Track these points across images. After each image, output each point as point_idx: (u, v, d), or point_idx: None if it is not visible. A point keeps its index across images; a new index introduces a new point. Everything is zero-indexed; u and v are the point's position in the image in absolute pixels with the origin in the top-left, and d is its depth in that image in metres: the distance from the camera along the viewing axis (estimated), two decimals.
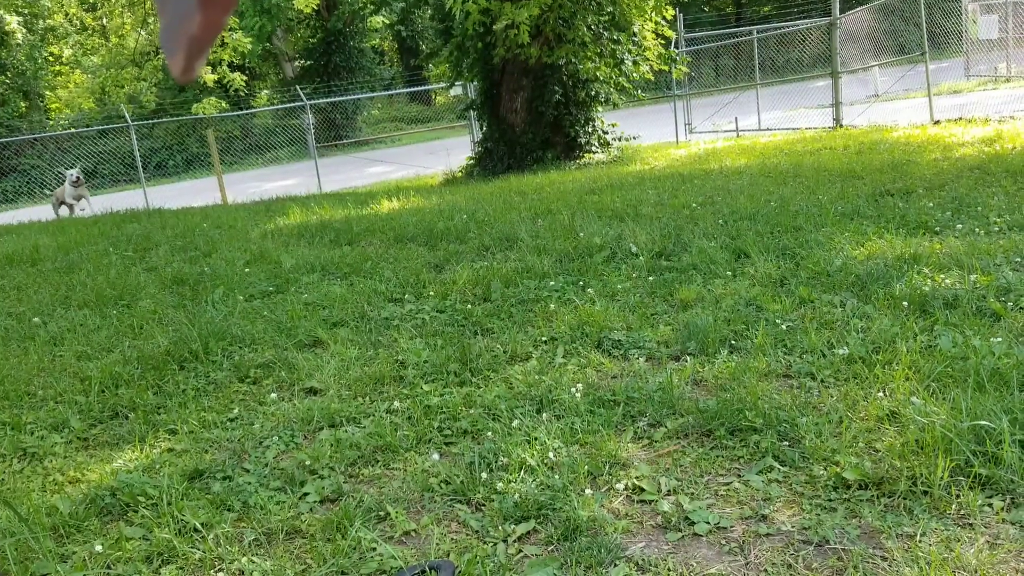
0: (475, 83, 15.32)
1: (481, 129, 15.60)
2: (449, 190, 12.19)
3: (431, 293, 5.17)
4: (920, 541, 2.24)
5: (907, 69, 16.85)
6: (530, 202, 8.72)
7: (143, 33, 23.18)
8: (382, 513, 2.69)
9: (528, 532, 2.53)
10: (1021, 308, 3.80)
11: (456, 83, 16.20)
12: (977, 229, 5.23)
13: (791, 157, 10.32)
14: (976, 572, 2.09)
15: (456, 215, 8.08)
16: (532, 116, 14.15)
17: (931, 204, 6.12)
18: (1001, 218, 5.43)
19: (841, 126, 13.85)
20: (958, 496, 2.42)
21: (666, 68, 14.32)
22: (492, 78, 14.47)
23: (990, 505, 2.39)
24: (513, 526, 2.55)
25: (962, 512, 2.37)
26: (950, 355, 3.30)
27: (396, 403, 3.52)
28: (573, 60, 13.48)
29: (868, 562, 2.20)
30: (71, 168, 15.77)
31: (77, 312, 5.51)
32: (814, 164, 9.15)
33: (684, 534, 2.46)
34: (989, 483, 2.47)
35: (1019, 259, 4.49)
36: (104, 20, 24.71)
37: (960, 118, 12.06)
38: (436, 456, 3.03)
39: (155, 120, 24.92)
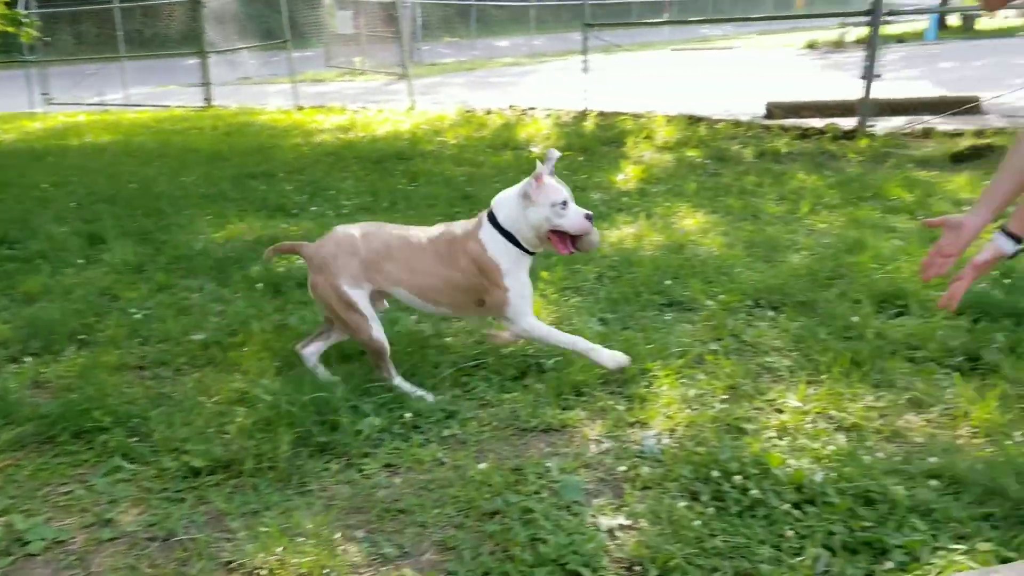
0: None
1: None
2: None
3: None
4: (263, 516, 2.34)
5: (273, 55, 17.58)
6: None
7: None
8: None
9: None
10: None
11: None
12: (329, 211, 5.68)
13: (159, 135, 10.02)
14: (312, 535, 2.25)
15: None
16: None
17: (290, 187, 6.47)
18: (350, 200, 5.98)
19: (212, 106, 13.88)
20: (300, 465, 2.59)
21: (12, 30, 12.66)
22: None
23: (327, 469, 2.60)
24: None
25: (303, 480, 2.54)
26: (299, 332, 3.51)
27: None
28: None
29: (213, 547, 2.22)
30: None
31: None
32: (182, 144, 9.02)
33: (15, 556, 2.21)
34: (327, 448, 2.69)
35: None
36: None
37: (322, 106, 12.99)
38: None
39: None
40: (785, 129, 8.29)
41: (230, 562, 2.17)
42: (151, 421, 2.81)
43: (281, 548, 2.18)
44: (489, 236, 2.84)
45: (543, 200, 2.74)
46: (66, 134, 10.72)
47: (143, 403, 2.95)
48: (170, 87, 16.92)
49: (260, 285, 4.12)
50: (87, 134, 10.50)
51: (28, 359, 3.36)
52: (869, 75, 7.96)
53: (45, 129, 11.62)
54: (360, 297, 2.94)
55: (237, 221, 5.37)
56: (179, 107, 13.98)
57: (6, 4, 12.17)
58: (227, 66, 16.99)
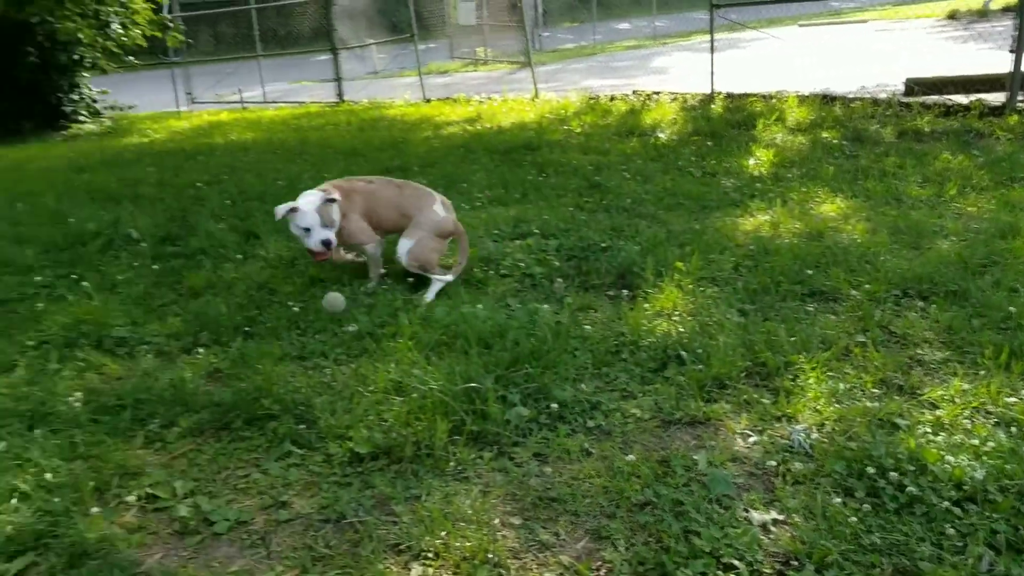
0: None
1: None
2: None
3: None
4: (425, 501, 2.48)
5: (401, 48, 18.01)
6: (3, 182, 7.67)
7: None
8: None
9: (27, 566, 2.27)
10: (501, 275, 4.34)
11: None
12: (463, 204, 5.83)
13: (298, 132, 10.46)
14: (472, 520, 2.37)
15: None
16: (2, 81, 12.39)
17: (424, 181, 6.64)
18: (482, 193, 6.11)
19: (344, 101, 14.37)
20: (455, 454, 2.72)
21: (159, 35, 13.50)
22: None
23: (481, 457, 2.71)
24: (6, 564, 2.26)
25: (459, 468, 2.66)
26: (444, 323, 3.65)
27: None
28: (50, 19, 12.05)
29: (381, 529, 2.37)
30: None
31: None
32: (320, 141, 9.39)
33: (204, 536, 2.41)
34: (480, 437, 2.81)
35: (497, 231, 5.11)
36: None
37: (448, 98, 13.24)
38: None
39: None
40: (926, 107, 7.95)
41: (398, 544, 2.31)
42: (315, 409, 3.00)
43: (445, 532, 2.31)
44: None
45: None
46: (211, 132, 11.33)
47: (307, 391, 3.14)
48: (302, 83, 17.58)
49: (411, 279, 4.28)
50: (231, 132, 11.06)
51: (200, 350, 3.62)
52: (1019, 46, 7.51)
53: (192, 127, 12.31)
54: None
55: None
56: (313, 103, 14.54)
57: (152, 10, 12.96)
58: (356, 61, 17.53)
